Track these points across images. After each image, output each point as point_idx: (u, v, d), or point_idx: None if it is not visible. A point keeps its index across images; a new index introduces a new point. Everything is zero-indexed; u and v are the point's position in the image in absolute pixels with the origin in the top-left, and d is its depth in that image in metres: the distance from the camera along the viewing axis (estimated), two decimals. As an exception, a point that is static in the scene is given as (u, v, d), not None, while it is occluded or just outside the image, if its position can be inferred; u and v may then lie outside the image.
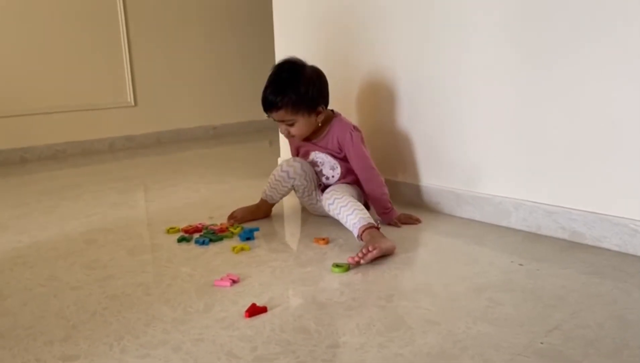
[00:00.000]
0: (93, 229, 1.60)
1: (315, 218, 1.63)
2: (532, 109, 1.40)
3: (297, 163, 1.57)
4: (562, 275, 1.16)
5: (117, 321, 1.00)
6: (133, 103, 3.33)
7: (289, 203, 1.80)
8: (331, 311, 1.01)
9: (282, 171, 1.57)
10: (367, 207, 1.54)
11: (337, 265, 1.21)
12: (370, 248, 1.22)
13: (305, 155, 1.63)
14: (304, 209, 1.74)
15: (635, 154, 1.23)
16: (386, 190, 1.55)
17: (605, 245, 1.29)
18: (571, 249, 1.31)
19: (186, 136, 3.57)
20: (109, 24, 3.19)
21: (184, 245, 1.42)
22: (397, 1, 1.66)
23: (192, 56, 3.56)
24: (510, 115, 1.45)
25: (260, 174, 2.18)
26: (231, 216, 1.60)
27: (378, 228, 1.33)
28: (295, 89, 1.46)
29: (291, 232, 1.59)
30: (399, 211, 1.57)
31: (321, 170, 1.60)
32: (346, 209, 1.38)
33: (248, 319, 0.98)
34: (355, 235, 1.34)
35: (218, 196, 2.00)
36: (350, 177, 1.58)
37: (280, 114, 1.49)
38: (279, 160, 2.21)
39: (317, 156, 1.59)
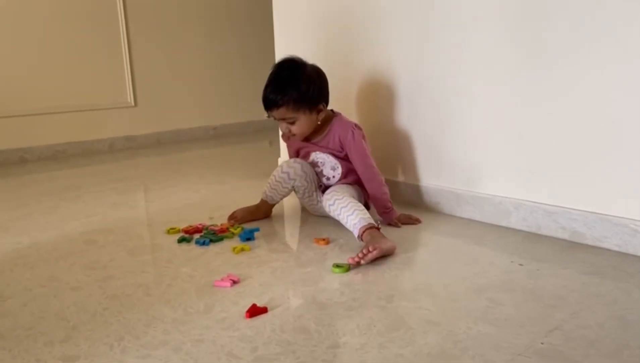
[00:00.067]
0: (93, 229, 1.60)
1: (315, 219, 1.63)
2: (532, 109, 1.40)
3: (298, 164, 1.57)
4: (563, 275, 1.16)
5: (117, 321, 1.00)
6: (133, 103, 3.33)
7: (289, 204, 1.80)
8: (331, 311, 1.01)
9: (282, 172, 1.57)
10: (367, 207, 1.54)
11: (337, 266, 1.21)
12: (370, 249, 1.22)
13: (306, 156, 1.63)
14: (304, 210, 1.73)
15: (635, 154, 1.23)
16: (386, 190, 1.55)
17: (605, 245, 1.29)
18: (571, 249, 1.31)
19: (186, 136, 3.57)
20: (109, 24, 3.19)
21: (184, 246, 1.42)
22: (397, 1, 1.66)
23: (192, 56, 3.56)
24: (510, 115, 1.45)
25: (261, 175, 2.18)
26: (231, 217, 1.60)
27: (378, 229, 1.33)
28: (296, 87, 1.46)
29: (291, 232, 1.59)
30: (398, 211, 1.57)
31: (322, 171, 1.60)
32: (346, 210, 1.38)
33: (248, 320, 0.98)
34: (356, 236, 1.34)
35: (218, 196, 2.00)
36: (351, 177, 1.58)
37: (282, 112, 1.49)
38: (279, 160, 2.21)
39: (318, 156, 1.59)
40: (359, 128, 1.56)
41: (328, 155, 1.58)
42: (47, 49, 2.98)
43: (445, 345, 0.88)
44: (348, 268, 1.21)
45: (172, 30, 3.46)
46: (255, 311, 1.00)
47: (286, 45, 2.04)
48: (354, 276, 1.18)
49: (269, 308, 1.02)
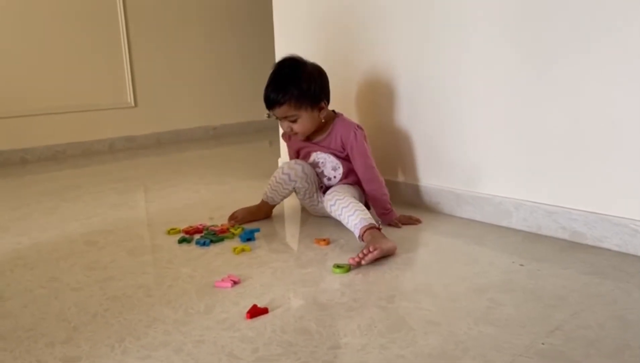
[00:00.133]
0: (93, 230, 1.60)
1: (315, 219, 1.63)
2: (532, 109, 1.40)
3: (299, 166, 1.56)
4: (563, 275, 1.16)
5: (118, 322, 1.00)
6: (133, 104, 3.33)
7: (290, 204, 1.80)
8: (332, 312, 1.01)
9: (283, 173, 1.57)
10: (368, 208, 1.54)
11: (338, 266, 1.21)
12: (371, 249, 1.22)
13: (307, 156, 1.63)
14: (304, 210, 1.74)
15: (635, 154, 1.23)
16: (386, 191, 1.55)
17: (605, 245, 1.30)
18: (572, 249, 1.31)
19: (186, 136, 3.57)
20: (109, 24, 3.19)
21: (184, 246, 1.42)
22: (397, 1, 1.66)
23: (192, 56, 3.56)
24: (510, 115, 1.45)
25: (261, 175, 2.19)
26: (232, 217, 1.60)
27: (379, 229, 1.33)
28: (297, 85, 1.46)
29: (292, 233, 1.59)
30: (398, 211, 1.57)
31: (322, 171, 1.60)
32: (347, 210, 1.38)
33: (249, 320, 0.98)
34: (357, 236, 1.34)
35: (218, 196, 2.00)
36: (351, 178, 1.58)
37: (283, 109, 1.49)
38: (279, 161, 2.21)
39: (319, 156, 1.59)
40: (361, 129, 1.56)
41: (329, 155, 1.58)
42: (47, 49, 2.98)
43: (446, 346, 0.88)
44: (349, 268, 1.21)
45: (172, 30, 3.46)
46: (255, 312, 1.00)
47: (286, 45, 2.04)
48: (354, 276, 1.18)
49: (269, 309, 1.02)
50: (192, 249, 1.40)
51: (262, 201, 1.64)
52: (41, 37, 2.95)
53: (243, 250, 1.36)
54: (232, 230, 1.50)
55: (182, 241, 1.44)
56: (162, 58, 3.42)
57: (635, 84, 1.20)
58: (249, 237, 1.44)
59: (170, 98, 3.49)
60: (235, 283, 1.15)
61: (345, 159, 1.57)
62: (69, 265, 1.31)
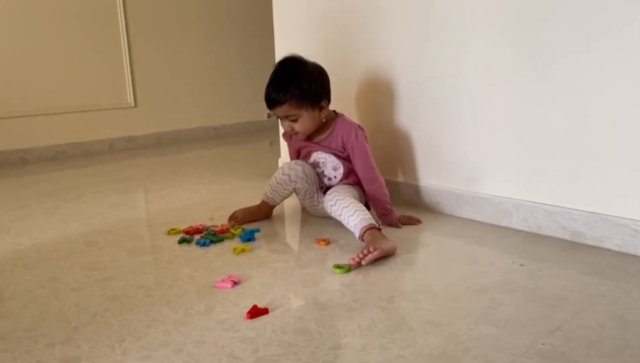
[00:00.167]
0: (93, 230, 1.60)
1: (315, 219, 1.63)
2: (532, 109, 1.40)
3: (299, 166, 1.56)
4: (563, 275, 1.16)
5: (118, 323, 1.00)
6: (133, 104, 3.33)
7: (290, 204, 1.80)
8: (332, 312, 1.01)
9: (283, 174, 1.57)
10: (368, 208, 1.54)
11: (338, 266, 1.21)
12: (371, 249, 1.22)
13: (307, 156, 1.63)
14: (304, 210, 1.73)
15: (635, 154, 1.23)
16: (387, 191, 1.55)
17: (606, 245, 1.30)
18: (572, 249, 1.31)
19: (186, 136, 3.57)
20: (109, 24, 3.19)
21: (184, 246, 1.42)
22: (397, 1, 1.66)
23: (192, 56, 3.56)
24: (510, 115, 1.45)
25: (261, 175, 2.19)
26: (232, 217, 1.60)
27: (379, 229, 1.33)
28: (298, 84, 1.47)
29: (292, 233, 1.59)
30: (398, 212, 1.57)
31: (323, 171, 1.60)
32: (348, 210, 1.38)
33: (249, 321, 0.98)
34: (357, 236, 1.34)
35: (218, 197, 2.00)
36: (352, 178, 1.58)
37: (284, 109, 1.49)
38: (279, 161, 2.21)
39: (320, 156, 1.59)
40: (362, 129, 1.56)
41: (330, 155, 1.58)
42: (47, 49, 2.98)
43: (447, 346, 0.88)
44: (349, 268, 1.21)
45: (172, 30, 3.46)
46: (256, 312, 1.00)
47: (286, 45, 2.04)
48: (354, 277, 1.18)
49: (269, 309, 1.02)
50: (192, 249, 1.40)
51: (262, 202, 1.64)
52: (41, 37, 2.95)
53: (243, 251, 1.36)
54: (232, 230, 1.50)
55: (182, 241, 1.44)
56: (162, 58, 3.42)
57: (635, 84, 1.20)
58: (249, 237, 1.43)
59: (170, 98, 3.49)
60: (235, 283, 1.15)
61: (345, 159, 1.57)
62: (69, 265, 1.31)
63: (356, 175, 1.57)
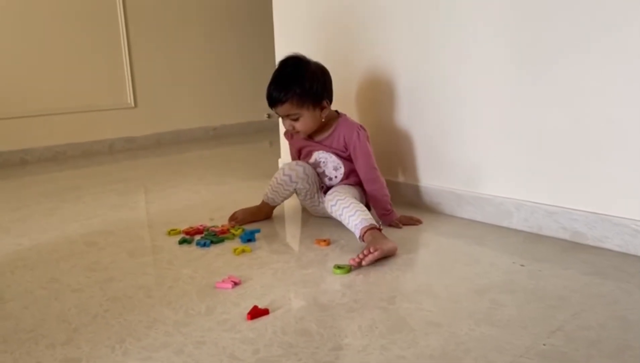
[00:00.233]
0: (93, 231, 1.60)
1: (316, 219, 1.63)
2: (532, 109, 1.39)
3: (300, 167, 1.56)
4: (564, 275, 1.16)
5: (118, 323, 1.00)
6: (133, 104, 3.32)
7: (290, 204, 1.80)
8: (333, 313, 1.01)
9: (284, 174, 1.57)
10: (368, 209, 1.54)
11: (338, 267, 1.21)
12: (371, 250, 1.22)
13: (308, 155, 1.63)
14: (304, 211, 1.73)
15: (635, 154, 1.23)
16: (387, 191, 1.55)
17: (606, 245, 1.29)
18: (572, 249, 1.31)
19: (186, 137, 3.57)
20: (109, 25, 3.18)
21: (185, 247, 1.42)
22: (397, 1, 1.66)
23: (192, 56, 3.56)
24: (510, 115, 1.45)
25: (261, 175, 2.19)
26: (232, 218, 1.60)
27: (380, 229, 1.33)
28: (300, 84, 1.47)
29: (292, 233, 1.59)
30: (399, 212, 1.57)
31: (324, 171, 1.60)
32: (348, 211, 1.38)
33: (250, 321, 0.98)
34: (357, 236, 1.34)
35: (218, 197, 2.00)
36: (353, 178, 1.58)
37: (286, 108, 1.49)
38: (280, 161, 2.21)
39: (321, 155, 1.59)
40: (364, 130, 1.56)
41: (331, 154, 1.58)
42: (47, 49, 2.98)
43: (448, 347, 0.88)
44: (349, 269, 1.21)
45: (172, 30, 3.46)
46: (256, 313, 1.00)
47: (286, 45, 2.04)
48: (355, 277, 1.18)
49: (270, 310, 1.02)
50: (193, 250, 1.40)
51: (263, 202, 1.64)
52: (41, 37, 2.95)
53: (243, 251, 1.36)
54: (232, 231, 1.50)
55: (182, 242, 1.44)
56: (162, 58, 3.42)
57: (635, 84, 1.20)
58: (249, 238, 1.43)
59: (170, 98, 3.49)
60: (235, 284, 1.15)
61: (347, 159, 1.57)
62: (69, 266, 1.31)
63: (357, 175, 1.57)
